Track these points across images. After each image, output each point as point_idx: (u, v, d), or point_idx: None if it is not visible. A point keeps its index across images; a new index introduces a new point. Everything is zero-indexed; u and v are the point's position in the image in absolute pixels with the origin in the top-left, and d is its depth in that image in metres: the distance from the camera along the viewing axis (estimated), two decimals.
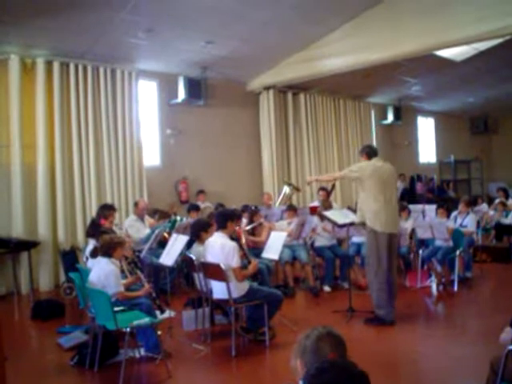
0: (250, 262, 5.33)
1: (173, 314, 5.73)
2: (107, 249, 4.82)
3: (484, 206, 11.17)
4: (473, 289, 7.45)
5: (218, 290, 5.08)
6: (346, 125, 13.36)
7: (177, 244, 5.51)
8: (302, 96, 12.11)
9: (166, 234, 6.96)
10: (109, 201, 8.50)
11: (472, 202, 9.52)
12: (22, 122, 7.82)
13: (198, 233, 5.83)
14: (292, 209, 7.99)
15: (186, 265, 6.03)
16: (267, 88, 11.34)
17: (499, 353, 3.05)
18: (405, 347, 5.17)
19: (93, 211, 8.04)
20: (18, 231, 7.75)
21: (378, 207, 5.58)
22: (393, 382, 4.24)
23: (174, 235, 5.78)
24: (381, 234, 5.57)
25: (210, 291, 5.24)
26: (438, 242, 7.49)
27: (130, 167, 9.12)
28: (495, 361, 3.06)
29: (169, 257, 5.50)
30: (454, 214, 8.31)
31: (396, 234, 5.87)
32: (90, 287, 4.63)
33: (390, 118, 14.86)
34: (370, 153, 5.96)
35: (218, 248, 5.08)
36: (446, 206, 8.18)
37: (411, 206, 8.73)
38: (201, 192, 9.92)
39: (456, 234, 7.44)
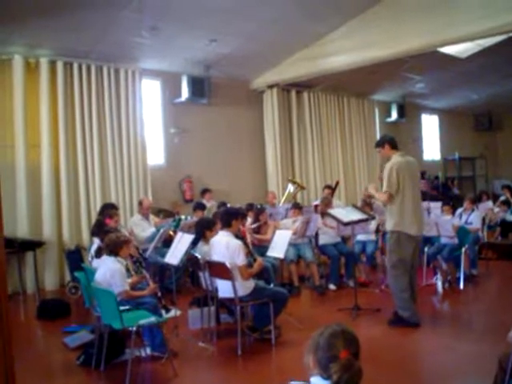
0: (255, 260, 5.32)
1: (178, 312, 5.74)
2: (113, 247, 4.83)
3: (489, 203, 11.13)
4: (478, 286, 7.44)
5: (224, 288, 5.08)
6: (349, 123, 13.30)
7: (182, 243, 5.50)
8: (305, 94, 12.08)
9: (171, 233, 6.96)
10: (113, 200, 8.53)
11: (477, 198, 9.49)
12: (26, 121, 7.83)
13: (202, 231, 5.83)
14: (297, 207, 7.96)
15: (191, 264, 6.03)
16: (271, 86, 11.31)
17: (507, 350, 3.04)
18: (411, 344, 5.16)
19: (97, 210, 8.03)
20: (22, 231, 7.76)
21: (408, 208, 5.36)
22: (399, 379, 4.22)
23: (179, 234, 5.77)
24: (409, 236, 5.39)
25: (216, 290, 5.23)
26: (444, 240, 7.46)
27: (134, 166, 9.12)
28: (504, 358, 3.05)
29: (174, 256, 5.49)
30: (459, 211, 8.29)
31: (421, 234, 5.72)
32: (95, 286, 4.63)
33: (394, 115, 14.78)
34: (393, 144, 5.59)
35: (223, 246, 5.07)
36: (451, 203, 8.16)
37: None
38: (206, 191, 9.86)
39: (461, 232, 7.42)
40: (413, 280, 5.56)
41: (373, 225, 7.60)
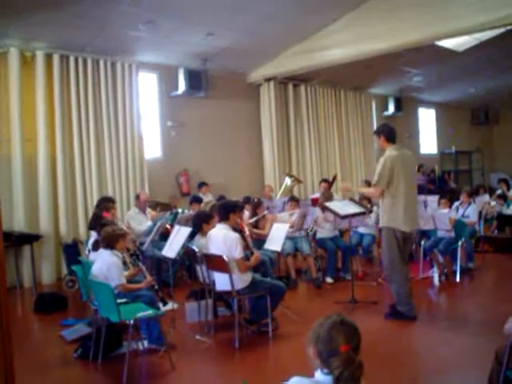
0: (252, 254, 5.32)
1: (176, 306, 5.75)
2: (109, 241, 4.83)
3: (485, 197, 11.14)
4: (475, 279, 7.46)
5: (221, 281, 5.08)
6: (346, 116, 13.31)
7: (179, 236, 5.50)
8: (302, 87, 12.07)
9: (168, 226, 6.96)
10: (110, 193, 8.53)
11: (473, 192, 9.51)
12: (22, 115, 7.79)
13: (199, 225, 5.82)
14: (294, 200, 7.96)
15: (188, 257, 6.03)
16: (268, 79, 11.30)
17: (503, 343, 3.05)
18: (407, 337, 5.18)
19: (94, 204, 8.01)
20: (19, 225, 7.75)
21: (401, 203, 5.32)
22: (395, 373, 4.23)
23: (177, 227, 5.77)
24: (402, 232, 5.35)
25: (213, 283, 5.24)
26: (440, 233, 7.49)
27: (130, 159, 9.11)
28: (500, 351, 3.06)
29: (171, 249, 5.49)
30: (455, 204, 8.31)
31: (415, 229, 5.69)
32: (93, 280, 4.63)
33: (391, 109, 14.83)
34: (389, 136, 5.49)
35: (221, 240, 5.07)
36: (448, 196, 8.17)
37: None
38: (203, 184, 9.85)
39: (458, 225, 7.43)
40: (408, 275, 5.57)
41: (373, 218, 7.59)
